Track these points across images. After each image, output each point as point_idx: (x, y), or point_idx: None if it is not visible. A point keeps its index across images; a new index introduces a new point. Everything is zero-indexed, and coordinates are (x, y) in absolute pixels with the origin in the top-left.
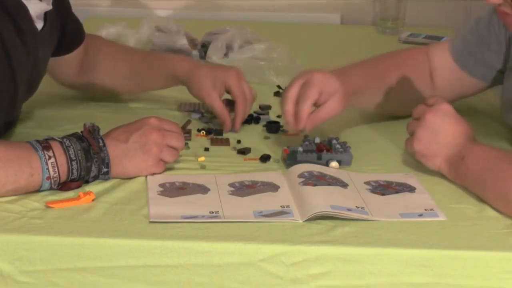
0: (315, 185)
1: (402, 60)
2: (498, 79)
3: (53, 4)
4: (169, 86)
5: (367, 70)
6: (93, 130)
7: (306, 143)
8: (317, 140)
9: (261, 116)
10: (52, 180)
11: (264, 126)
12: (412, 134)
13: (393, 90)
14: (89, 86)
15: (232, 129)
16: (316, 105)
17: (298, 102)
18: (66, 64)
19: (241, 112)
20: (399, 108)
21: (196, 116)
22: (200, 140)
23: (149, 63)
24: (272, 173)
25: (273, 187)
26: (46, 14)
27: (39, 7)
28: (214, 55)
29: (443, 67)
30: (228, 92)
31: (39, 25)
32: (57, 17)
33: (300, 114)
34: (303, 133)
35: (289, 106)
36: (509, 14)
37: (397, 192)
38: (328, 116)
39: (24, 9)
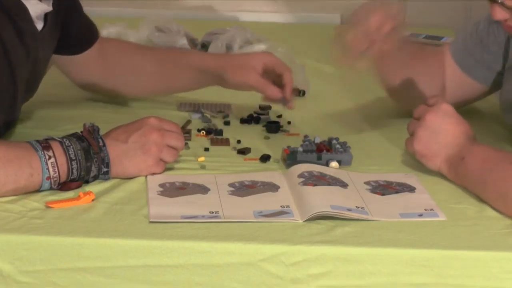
0: (315, 185)
1: (430, 54)
2: (498, 83)
3: (53, 5)
4: (197, 85)
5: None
6: (93, 130)
7: (306, 143)
8: (317, 140)
9: (261, 116)
10: (52, 180)
11: (264, 126)
12: (412, 134)
13: (412, 79)
14: (113, 90)
15: (285, 101)
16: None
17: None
18: (80, 64)
19: (291, 82)
20: (409, 100)
21: (196, 116)
22: (200, 140)
23: (177, 60)
24: (272, 173)
25: (273, 187)
26: (46, 15)
27: (39, 8)
28: None
29: (446, 68)
30: (271, 72)
31: (39, 25)
32: (58, 17)
33: (371, 22)
34: (367, 54)
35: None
36: None
37: (397, 192)
38: (391, 48)
39: (24, 10)
